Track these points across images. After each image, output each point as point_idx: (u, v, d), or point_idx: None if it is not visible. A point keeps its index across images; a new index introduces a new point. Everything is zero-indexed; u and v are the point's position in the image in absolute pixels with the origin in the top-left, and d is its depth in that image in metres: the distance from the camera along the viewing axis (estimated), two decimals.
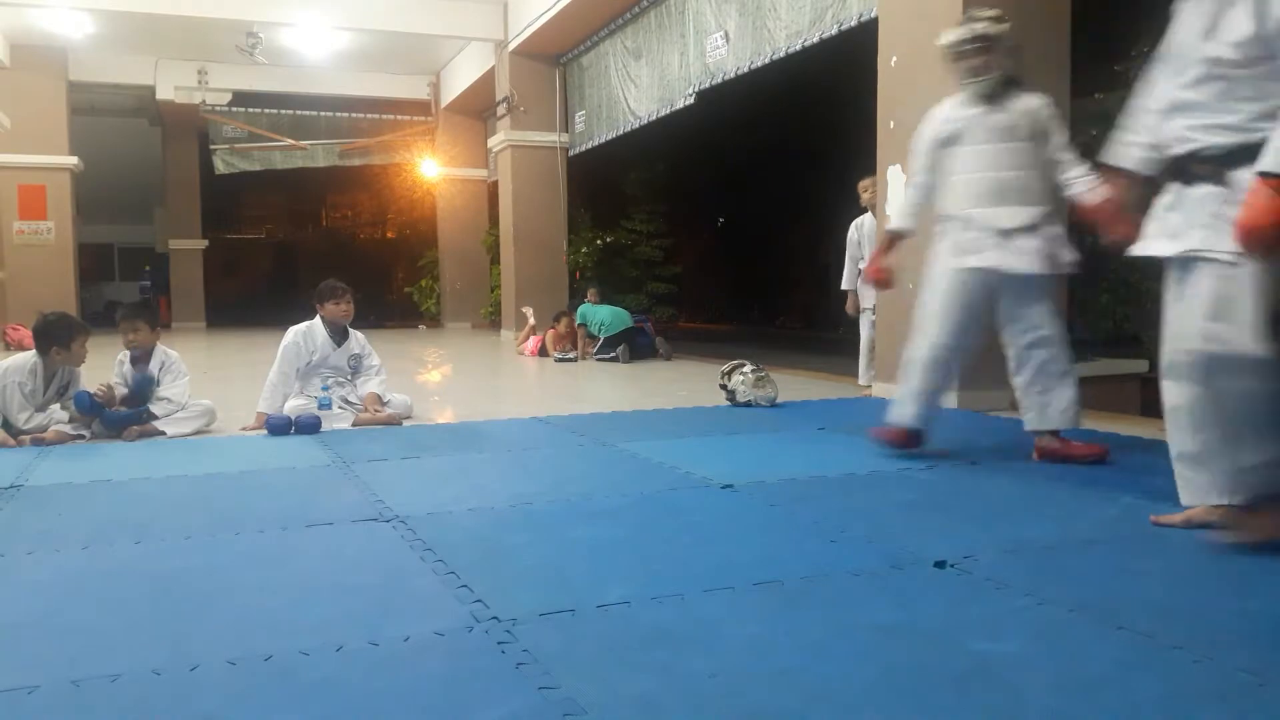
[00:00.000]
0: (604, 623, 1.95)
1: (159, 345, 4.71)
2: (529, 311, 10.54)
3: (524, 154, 11.80)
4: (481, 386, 7.44)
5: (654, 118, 9.90)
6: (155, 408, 4.53)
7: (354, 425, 4.76)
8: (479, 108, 14.72)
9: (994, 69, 3.53)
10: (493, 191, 14.37)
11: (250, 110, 15.10)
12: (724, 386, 5.41)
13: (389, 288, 22.86)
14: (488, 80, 12.82)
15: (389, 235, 25.36)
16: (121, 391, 4.54)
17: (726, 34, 8.33)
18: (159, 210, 18.87)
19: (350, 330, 5.05)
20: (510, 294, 11.99)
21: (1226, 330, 2.32)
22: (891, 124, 5.44)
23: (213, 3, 10.71)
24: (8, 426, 4.27)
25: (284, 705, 1.58)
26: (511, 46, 11.60)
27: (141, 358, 4.67)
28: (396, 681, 1.67)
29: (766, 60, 7.82)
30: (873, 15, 6.03)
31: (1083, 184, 3.43)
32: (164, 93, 14.12)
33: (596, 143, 11.22)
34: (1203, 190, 2.36)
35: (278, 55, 12.56)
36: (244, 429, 4.70)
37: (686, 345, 10.90)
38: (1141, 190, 2.67)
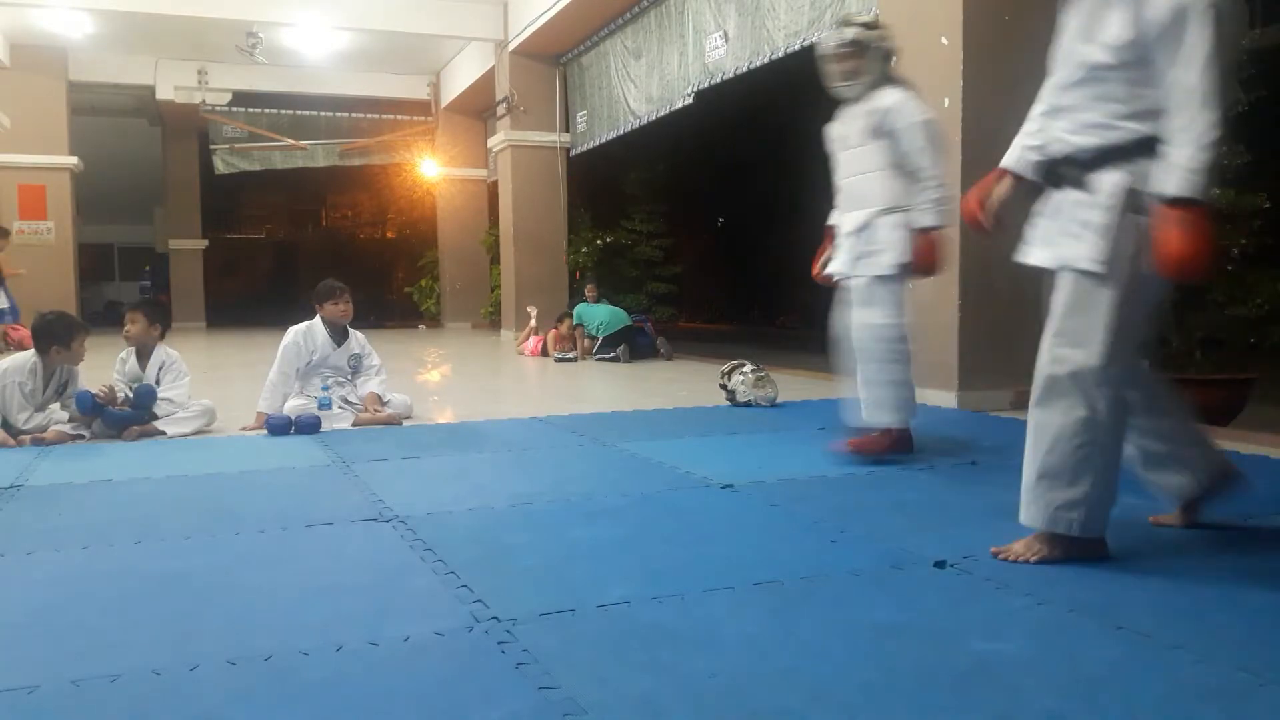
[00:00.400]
0: (604, 623, 1.94)
1: (160, 345, 4.71)
2: (533, 312, 10.54)
3: (524, 154, 11.80)
4: (481, 386, 7.43)
5: (653, 118, 9.90)
6: (155, 407, 4.53)
7: (354, 425, 4.76)
8: (479, 108, 14.72)
9: (862, 74, 3.57)
10: (493, 191, 14.37)
11: (250, 110, 15.10)
12: (724, 386, 5.41)
13: (389, 288, 22.85)
14: (488, 80, 12.82)
15: (389, 235, 25.35)
16: (122, 391, 4.54)
17: (725, 34, 8.33)
18: (159, 210, 18.87)
19: (350, 330, 5.05)
20: (510, 294, 11.99)
21: (1072, 352, 2.25)
22: None
23: (213, 3, 10.71)
24: (8, 426, 4.27)
25: (284, 705, 1.58)
26: (511, 46, 11.59)
27: (142, 355, 4.67)
28: (396, 681, 1.67)
29: (765, 60, 7.82)
30: (872, 15, 6.02)
31: (922, 213, 3.50)
32: (164, 93, 14.12)
33: (598, 142, 11.23)
34: (1073, 196, 2.31)
35: (278, 55, 12.56)
36: (244, 429, 4.70)
37: (686, 345, 10.89)
38: (1029, 193, 2.61)
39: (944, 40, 4.96)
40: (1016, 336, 5.12)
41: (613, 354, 8.71)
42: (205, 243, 17.78)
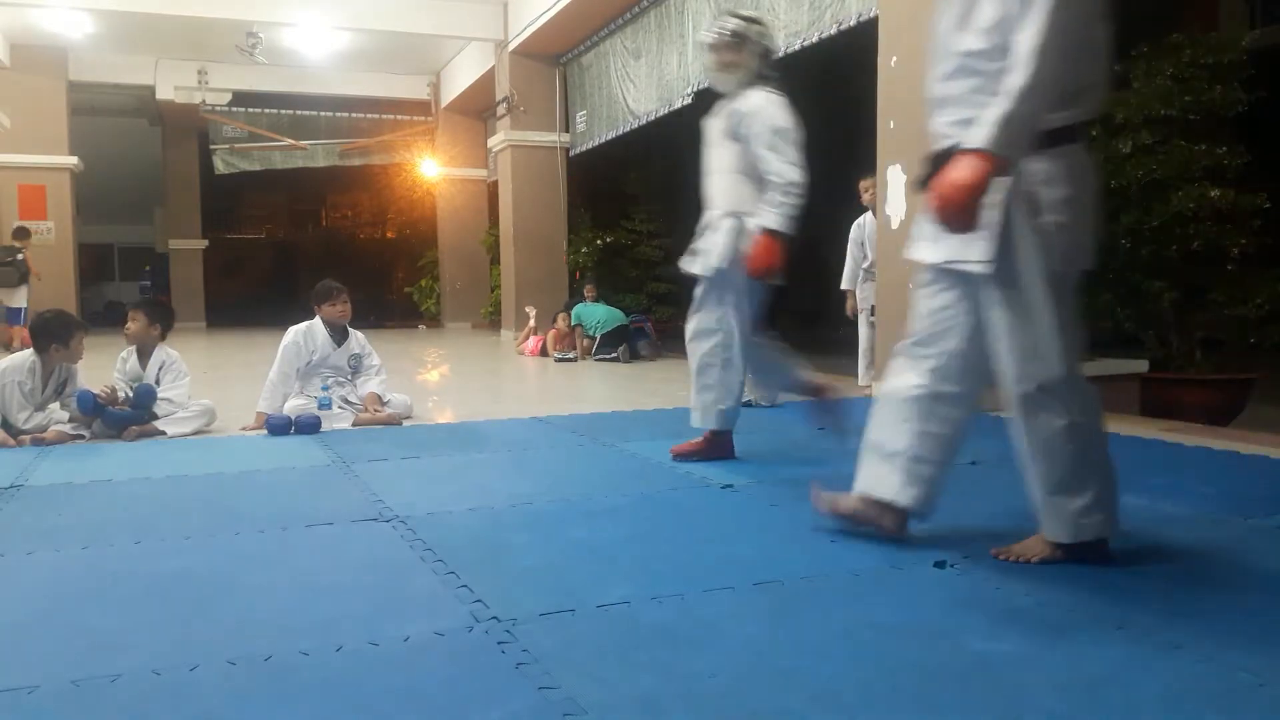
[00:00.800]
0: (604, 623, 1.94)
1: (161, 345, 4.71)
2: (532, 312, 10.54)
3: (524, 154, 11.80)
4: (481, 386, 7.43)
5: (653, 117, 9.90)
6: (155, 407, 4.53)
7: (354, 425, 4.76)
8: (479, 108, 14.71)
9: (738, 69, 3.54)
10: (493, 191, 14.36)
11: (250, 110, 15.10)
12: None
13: (389, 288, 22.84)
14: (488, 80, 12.81)
15: (389, 235, 25.33)
16: (123, 390, 4.54)
17: None
18: (159, 210, 18.87)
19: (350, 330, 5.05)
20: (510, 294, 11.99)
21: (1034, 366, 2.22)
22: (891, 124, 5.43)
23: (213, 3, 10.71)
24: (8, 426, 4.27)
25: (284, 705, 1.58)
26: (511, 46, 11.59)
27: (142, 355, 4.67)
28: (396, 681, 1.67)
29: None
30: (872, 15, 6.02)
31: (764, 215, 3.42)
32: (164, 93, 14.12)
33: (597, 142, 11.23)
34: None
35: (278, 55, 12.56)
36: (244, 429, 4.70)
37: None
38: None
39: None
40: None
41: (613, 354, 8.72)
42: (205, 243, 17.78)
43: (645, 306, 13.49)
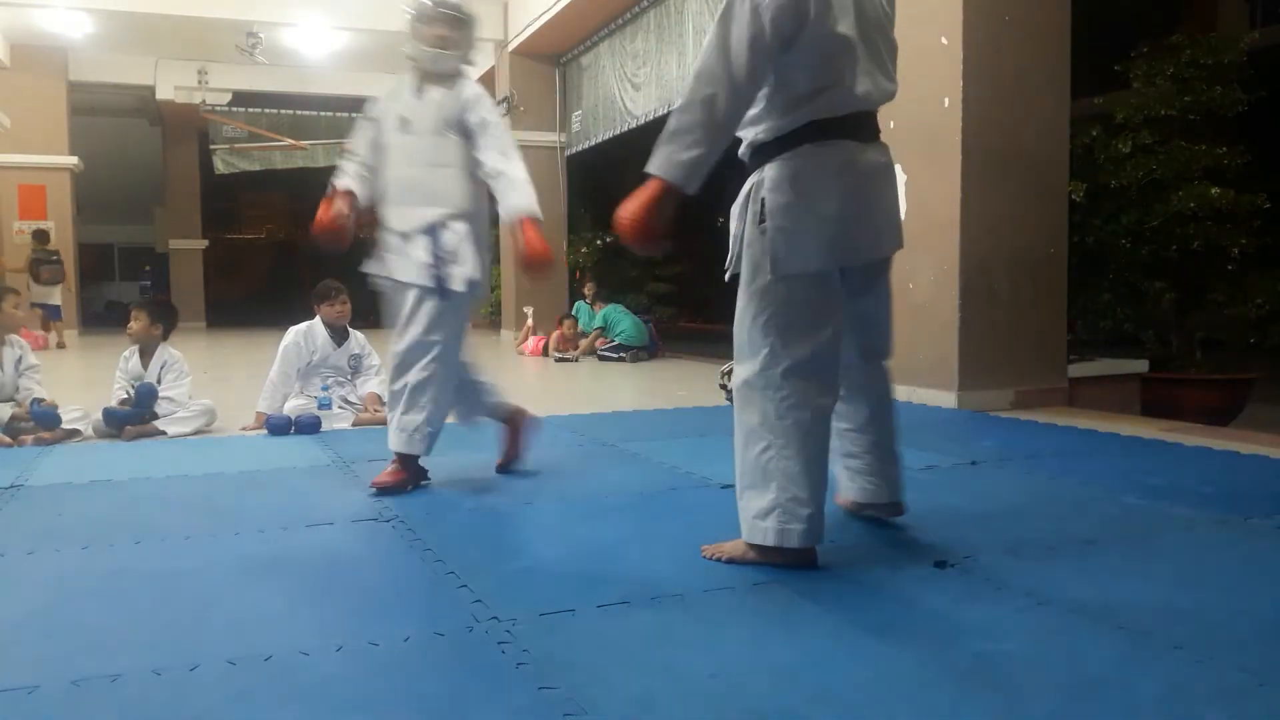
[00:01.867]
0: (604, 623, 1.94)
1: (163, 345, 4.71)
2: (529, 312, 10.54)
3: (524, 154, 11.75)
4: None
5: (651, 118, 9.89)
6: (156, 407, 4.53)
7: (354, 425, 4.76)
8: None
9: (454, 50, 3.28)
10: None
11: (250, 110, 15.08)
12: (724, 386, 5.41)
13: None
14: (488, 80, 12.80)
15: None
16: (124, 389, 4.55)
17: None
18: (159, 210, 18.86)
19: (350, 330, 5.05)
20: (510, 294, 11.98)
21: (740, 366, 2.32)
22: (891, 124, 5.42)
23: (213, 3, 10.70)
24: (8, 427, 4.27)
25: (284, 705, 1.58)
26: (511, 46, 11.60)
27: (144, 354, 4.67)
28: (396, 681, 1.67)
29: None
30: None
31: (519, 200, 3.19)
32: (164, 93, 14.11)
33: (593, 143, 11.22)
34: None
35: (278, 55, 12.55)
36: (244, 429, 4.70)
37: (687, 345, 10.89)
38: None
39: (944, 40, 4.96)
40: (1016, 336, 5.14)
41: (619, 355, 8.73)
42: (205, 243, 17.76)
43: (645, 306, 13.50)
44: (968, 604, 2.05)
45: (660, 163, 2.16)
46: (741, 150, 2.38)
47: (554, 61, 11.81)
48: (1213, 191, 6.03)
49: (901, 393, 5.45)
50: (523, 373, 8.32)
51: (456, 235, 3.18)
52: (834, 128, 2.23)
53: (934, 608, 2.03)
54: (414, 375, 3.16)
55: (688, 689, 1.62)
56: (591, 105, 11.13)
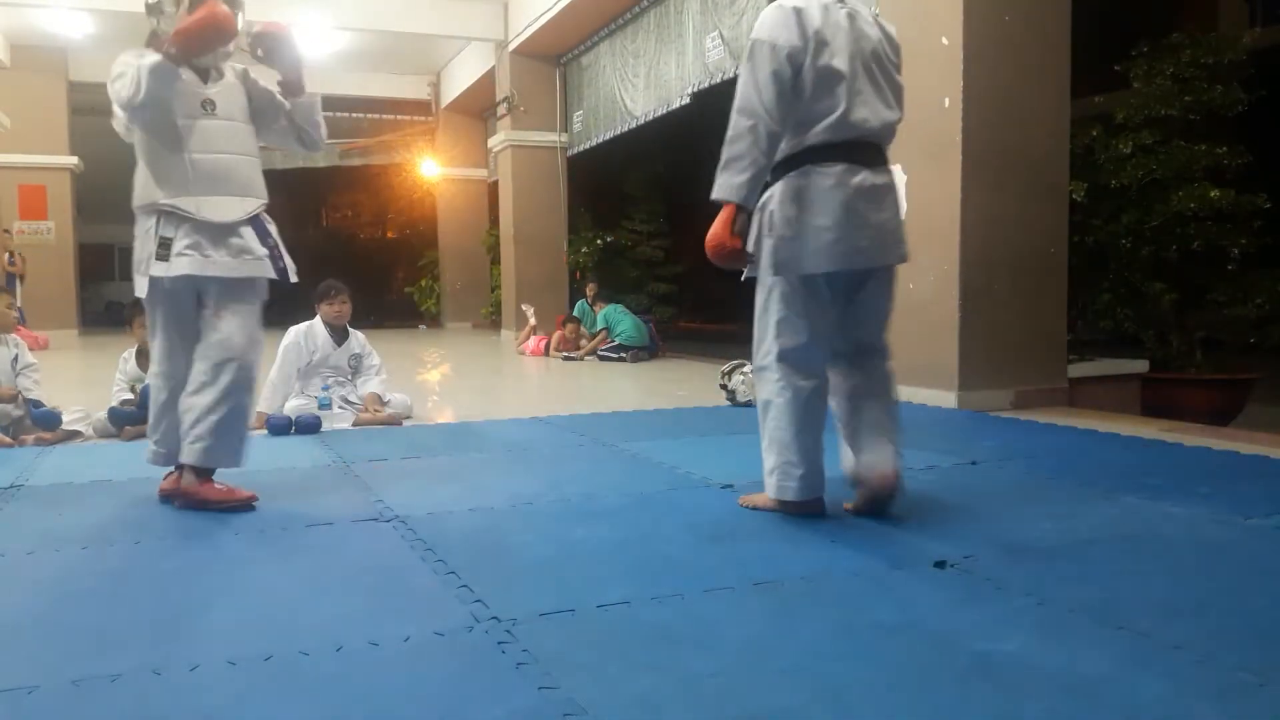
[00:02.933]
0: (604, 623, 1.94)
1: None
2: (530, 311, 10.53)
3: (524, 154, 11.79)
4: (481, 386, 7.43)
5: (650, 118, 9.90)
6: None
7: (354, 425, 4.76)
8: (479, 108, 14.71)
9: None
10: (493, 191, 14.36)
11: None
12: (724, 386, 5.41)
13: (389, 288, 22.81)
14: (488, 80, 12.81)
15: (389, 235, 25.32)
16: (121, 390, 4.55)
17: (722, 34, 8.34)
18: None
19: (350, 330, 5.05)
20: (510, 294, 11.98)
21: (755, 351, 2.78)
22: None
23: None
24: (7, 429, 4.27)
25: (284, 705, 1.58)
26: (512, 46, 11.59)
27: (143, 355, 4.67)
28: (396, 681, 1.67)
29: None
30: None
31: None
32: None
33: (594, 143, 11.22)
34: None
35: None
36: None
37: (686, 345, 10.89)
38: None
39: (944, 40, 4.97)
40: (1016, 336, 5.14)
41: (619, 355, 8.73)
42: None
43: (646, 306, 13.50)
44: (968, 604, 2.05)
45: (724, 189, 2.57)
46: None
47: (554, 61, 11.81)
48: (1213, 193, 6.03)
49: (902, 393, 5.45)
50: (523, 373, 8.33)
51: (265, 226, 3.12)
52: (832, 152, 2.59)
53: (934, 608, 2.03)
54: (234, 376, 2.96)
55: (688, 689, 1.62)
56: (592, 105, 11.13)
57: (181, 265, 2.91)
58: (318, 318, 4.97)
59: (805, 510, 2.72)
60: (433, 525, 2.74)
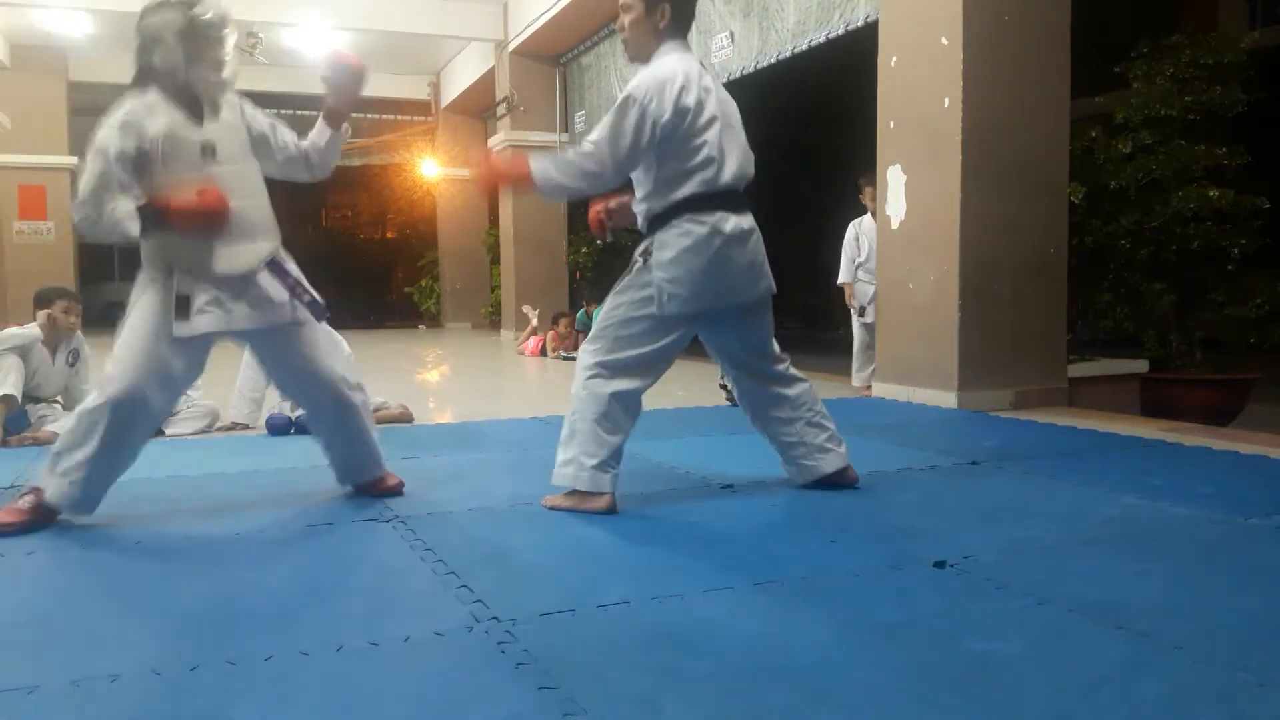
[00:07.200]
0: (604, 623, 1.94)
1: None
2: (531, 312, 10.53)
3: (524, 154, 11.79)
4: (481, 386, 7.43)
5: None
6: None
7: None
8: (479, 108, 14.71)
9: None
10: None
11: None
12: (724, 387, 5.41)
13: (389, 288, 22.83)
14: (488, 80, 12.81)
15: (389, 235, 25.32)
16: None
17: (732, 34, 8.32)
18: None
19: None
20: (510, 294, 11.98)
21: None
22: (891, 124, 5.44)
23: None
24: (9, 425, 4.27)
25: (284, 705, 1.58)
26: (512, 46, 11.60)
27: None
28: (396, 681, 1.67)
29: (772, 60, 7.79)
30: (878, 18, 6.02)
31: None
32: None
33: None
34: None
35: (278, 55, 12.54)
36: (233, 424, 4.73)
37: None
38: None
39: (944, 40, 4.96)
40: (1016, 336, 5.14)
41: None
42: None
43: None
44: (968, 604, 2.05)
45: (542, 169, 2.84)
46: (639, 222, 2.97)
47: (554, 61, 11.81)
48: (1212, 193, 6.03)
49: (902, 393, 5.47)
50: (523, 373, 8.33)
51: (272, 273, 2.94)
52: (707, 201, 2.83)
53: (934, 608, 2.03)
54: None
55: (688, 689, 1.62)
56: (593, 105, 11.12)
57: (203, 323, 2.80)
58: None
59: (597, 506, 2.83)
60: (433, 525, 2.74)
